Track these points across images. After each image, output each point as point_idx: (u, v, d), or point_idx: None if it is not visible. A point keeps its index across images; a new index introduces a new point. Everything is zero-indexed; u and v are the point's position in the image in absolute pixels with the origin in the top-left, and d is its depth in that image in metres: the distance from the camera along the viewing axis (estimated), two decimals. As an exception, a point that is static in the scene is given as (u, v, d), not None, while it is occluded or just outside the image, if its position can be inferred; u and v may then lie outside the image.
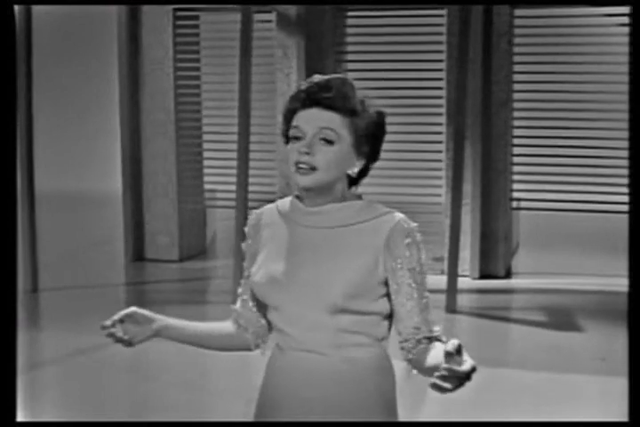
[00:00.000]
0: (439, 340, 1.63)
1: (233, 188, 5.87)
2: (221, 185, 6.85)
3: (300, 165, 1.61)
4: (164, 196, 6.94)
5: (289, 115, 1.66)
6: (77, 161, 11.73)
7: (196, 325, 1.78)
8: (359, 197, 1.70)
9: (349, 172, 1.65)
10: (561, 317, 5.40)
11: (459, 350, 1.38)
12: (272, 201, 1.86)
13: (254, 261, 1.72)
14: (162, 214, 6.97)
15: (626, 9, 5.62)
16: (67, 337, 4.86)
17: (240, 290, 1.80)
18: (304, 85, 1.65)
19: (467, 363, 1.39)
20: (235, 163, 5.85)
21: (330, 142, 1.62)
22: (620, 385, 3.55)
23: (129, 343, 1.69)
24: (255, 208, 1.87)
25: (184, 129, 6.96)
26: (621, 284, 6.14)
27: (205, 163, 7.14)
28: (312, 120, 1.62)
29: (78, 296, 5.90)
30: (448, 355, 1.38)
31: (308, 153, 1.61)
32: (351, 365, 1.63)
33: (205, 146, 7.10)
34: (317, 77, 1.65)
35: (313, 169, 1.61)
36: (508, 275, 6.51)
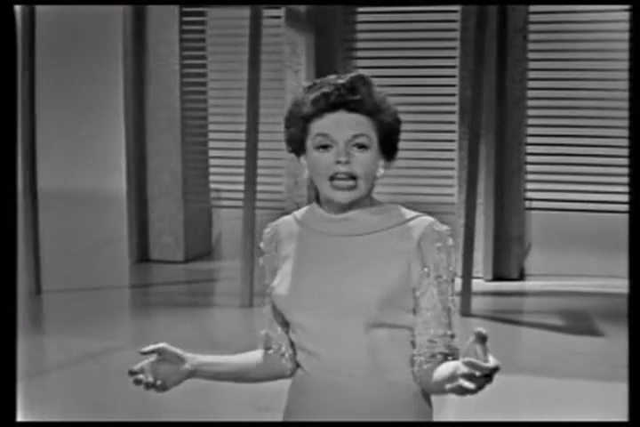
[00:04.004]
0: (456, 359, 1.47)
1: (239, 187, 5.78)
2: (227, 184, 6.76)
3: (340, 176, 1.48)
4: (169, 195, 6.83)
5: (303, 121, 1.51)
6: (81, 159, 11.62)
7: (229, 359, 1.63)
8: (372, 198, 1.57)
9: (377, 175, 1.53)
10: (579, 320, 5.26)
11: (484, 339, 1.26)
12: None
13: (275, 277, 1.58)
14: (167, 214, 6.86)
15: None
16: (71, 341, 4.74)
17: (265, 310, 1.64)
18: (321, 88, 1.50)
19: (491, 360, 1.27)
20: (241, 161, 5.76)
21: (364, 147, 1.50)
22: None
23: (162, 388, 1.52)
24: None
25: (189, 127, 6.87)
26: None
27: (211, 161, 7.04)
28: (342, 126, 1.49)
29: (82, 298, 5.78)
30: (479, 338, 1.26)
31: (347, 162, 1.48)
32: (388, 390, 1.50)
33: (211, 144, 7.00)
34: (332, 78, 1.52)
35: (353, 178, 1.48)
36: (521, 277, 6.39)
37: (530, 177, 6.30)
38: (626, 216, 6.17)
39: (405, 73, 6.27)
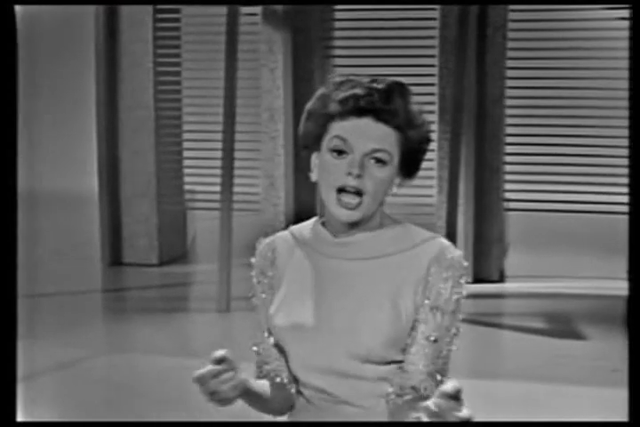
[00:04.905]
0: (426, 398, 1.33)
1: (214, 188, 5.67)
2: (202, 186, 6.65)
3: (348, 189, 1.35)
4: (143, 196, 6.70)
5: (325, 118, 1.38)
6: (51, 159, 11.42)
7: (259, 384, 1.46)
8: (387, 217, 1.45)
9: (389, 193, 1.41)
10: (562, 323, 5.20)
11: (457, 395, 1.12)
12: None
13: (272, 299, 1.45)
14: (140, 216, 6.72)
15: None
16: (41, 348, 4.58)
17: (265, 335, 1.49)
18: (353, 88, 1.36)
19: (464, 410, 1.13)
20: (216, 162, 5.66)
21: (383, 163, 1.37)
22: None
23: (228, 400, 1.33)
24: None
25: (164, 127, 6.74)
26: (620, 287, 5.96)
27: (186, 162, 6.93)
28: (364, 136, 1.36)
29: (52, 303, 5.62)
30: (443, 395, 1.12)
31: (359, 176, 1.35)
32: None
33: (186, 145, 6.89)
34: (368, 80, 1.38)
35: (360, 195, 1.35)
36: (501, 278, 6.33)
37: (509, 177, 6.25)
38: (607, 217, 6.16)
39: (384, 72, 6.17)
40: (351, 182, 1.35)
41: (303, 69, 6.30)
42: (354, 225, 1.40)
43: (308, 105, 1.42)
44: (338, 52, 6.42)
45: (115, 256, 6.73)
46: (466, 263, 1.42)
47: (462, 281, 1.41)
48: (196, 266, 6.88)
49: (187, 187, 6.96)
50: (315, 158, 1.42)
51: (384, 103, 1.36)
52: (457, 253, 1.40)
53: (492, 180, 6.18)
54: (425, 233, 1.43)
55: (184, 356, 4.37)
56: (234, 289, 5.33)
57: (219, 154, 5.55)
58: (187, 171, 6.92)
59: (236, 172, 5.65)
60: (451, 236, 5.34)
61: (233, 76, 5.41)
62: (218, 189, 5.55)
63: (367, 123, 1.36)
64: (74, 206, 9.55)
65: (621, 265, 6.25)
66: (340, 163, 1.36)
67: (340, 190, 1.36)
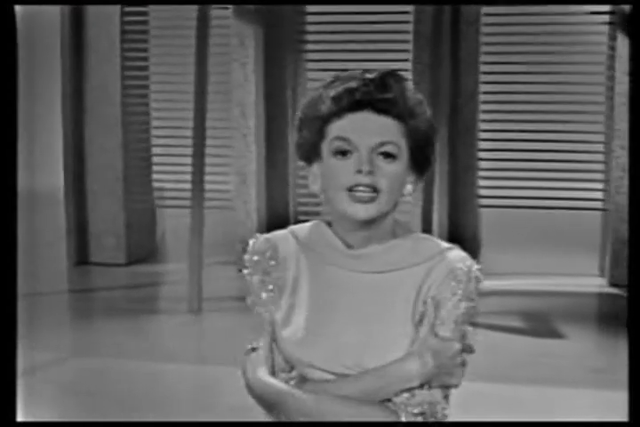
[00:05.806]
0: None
1: (184, 185, 5.56)
2: (171, 183, 6.54)
3: (361, 188, 1.25)
4: (110, 193, 6.57)
5: (320, 122, 1.28)
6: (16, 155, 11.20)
7: None
8: (404, 227, 1.38)
9: (404, 192, 1.32)
10: (539, 322, 5.15)
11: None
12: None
13: (278, 301, 1.35)
14: (107, 214, 6.59)
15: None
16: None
17: (267, 338, 1.37)
18: (345, 83, 1.28)
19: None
20: (185, 159, 5.56)
21: (392, 157, 1.28)
22: (620, 400, 3.25)
23: None
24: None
25: (132, 123, 6.60)
26: (595, 284, 5.95)
27: (154, 159, 6.81)
28: (367, 130, 1.27)
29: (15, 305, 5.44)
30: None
31: (370, 172, 1.26)
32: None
33: (154, 141, 6.76)
34: (358, 72, 1.30)
35: (375, 191, 1.26)
36: (476, 276, 6.28)
37: (483, 173, 6.21)
38: (581, 213, 6.14)
39: (357, 67, 6.09)
40: (363, 180, 1.26)
41: (275, 64, 6.19)
42: (366, 228, 1.30)
43: (299, 113, 1.32)
44: (310, 46, 6.33)
45: (81, 255, 6.59)
46: (481, 276, 1.35)
47: (473, 296, 1.33)
48: (165, 265, 6.75)
49: (155, 184, 6.85)
50: (316, 169, 1.32)
51: (381, 92, 1.28)
52: (473, 267, 1.34)
53: (466, 176, 6.13)
54: (440, 244, 1.36)
55: (155, 358, 4.25)
56: (205, 289, 5.21)
57: (188, 150, 5.46)
58: (155, 168, 6.81)
59: (207, 168, 5.54)
60: (426, 233, 5.27)
61: (203, 70, 5.29)
62: (188, 186, 5.47)
63: (367, 116, 1.27)
64: (38, 204, 9.37)
65: (596, 262, 6.24)
66: (347, 163, 1.27)
67: (351, 189, 1.27)
